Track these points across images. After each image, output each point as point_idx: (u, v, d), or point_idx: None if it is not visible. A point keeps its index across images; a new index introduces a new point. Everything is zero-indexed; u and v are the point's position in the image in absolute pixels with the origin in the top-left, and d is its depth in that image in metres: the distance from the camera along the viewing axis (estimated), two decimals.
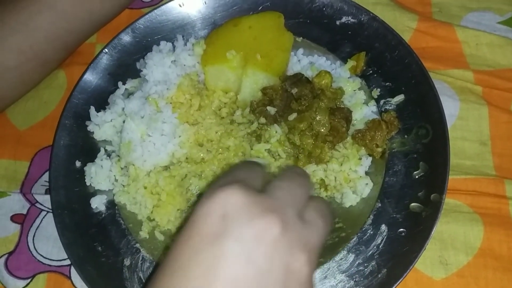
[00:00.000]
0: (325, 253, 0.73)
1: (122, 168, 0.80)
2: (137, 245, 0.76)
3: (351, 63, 0.84)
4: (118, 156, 0.81)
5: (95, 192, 0.80)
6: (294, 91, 0.78)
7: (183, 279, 0.40)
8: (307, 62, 0.85)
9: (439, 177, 0.72)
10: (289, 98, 0.79)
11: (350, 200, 0.76)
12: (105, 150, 0.82)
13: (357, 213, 0.76)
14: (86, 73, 0.86)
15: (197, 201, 0.44)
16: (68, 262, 0.77)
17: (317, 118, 0.76)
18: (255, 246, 0.41)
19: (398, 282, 0.67)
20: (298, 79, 0.79)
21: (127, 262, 0.74)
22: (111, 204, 0.79)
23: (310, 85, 0.79)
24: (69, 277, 0.77)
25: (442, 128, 0.74)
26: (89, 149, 0.82)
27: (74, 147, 0.82)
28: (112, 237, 0.77)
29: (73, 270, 0.77)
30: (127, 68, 0.87)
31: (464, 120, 0.82)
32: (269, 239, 0.41)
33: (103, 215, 0.78)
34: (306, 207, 0.48)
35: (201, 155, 0.79)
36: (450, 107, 0.82)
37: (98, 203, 0.78)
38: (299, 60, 0.85)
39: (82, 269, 0.73)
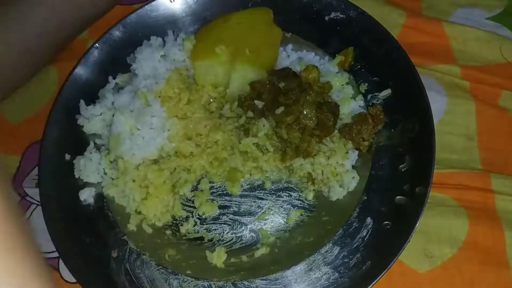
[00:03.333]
0: (311, 245, 0.74)
1: (111, 162, 0.80)
2: (125, 237, 0.76)
3: (339, 58, 0.84)
4: (107, 149, 0.81)
5: (84, 185, 0.80)
6: (282, 85, 0.79)
7: None
8: (296, 57, 0.86)
9: (424, 170, 0.72)
10: (277, 92, 0.79)
11: (337, 193, 0.77)
12: (95, 144, 0.83)
13: (343, 206, 0.76)
14: (77, 67, 0.86)
15: None
16: (56, 254, 0.77)
17: (304, 112, 0.77)
18: None
19: (382, 274, 0.68)
20: (286, 73, 0.80)
21: (114, 254, 0.75)
22: (100, 197, 0.80)
23: (298, 79, 0.80)
24: (58, 269, 0.78)
25: (428, 122, 0.75)
26: (78, 143, 0.83)
27: (64, 141, 0.83)
28: (100, 229, 0.77)
29: (61, 262, 0.78)
30: (117, 63, 0.88)
31: (452, 115, 0.82)
32: None
33: (91, 208, 0.79)
34: None
35: (190, 149, 0.80)
36: (438, 102, 0.82)
37: (86, 196, 0.79)
38: (288, 56, 0.86)
39: (69, 261, 0.73)
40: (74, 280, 0.75)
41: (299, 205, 0.78)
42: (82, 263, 0.73)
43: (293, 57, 0.86)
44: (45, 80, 0.92)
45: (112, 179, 0.80)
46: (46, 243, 0.78)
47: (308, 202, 0.78)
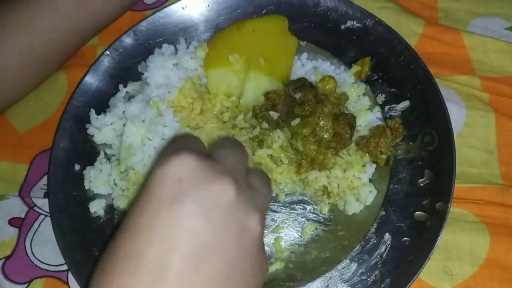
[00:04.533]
0: (327, 261, 0.72)
1: (121, 172, 0.79)
2: None
3: (355, 68, 0.82)
4: (118, 160, 0.79)
5: (94, 196, 0.78)
6: (298, 96, 0.77)
7: (146, 240, 0.41)
8: (311, 66, 0.84)
9: (445, 185, 0.70)
10: (292, 103, 0.78)
11: (353, 207, 0.75)
12: (105, 154, 0.81)
13: (360, 221, 0.74)
14: (87, 75, 0.85)
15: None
16: (65, 267, 0.76)
17: (321, 124, 0.75)
18: (212, 206, 0.43)
19: None
20: (302, 83, 0.78)
21: None
22: (110, 209, 0.78)
23: (314, 90, 0.78)
24: (67, 283, 0.76)
25: (448, 134, 0.73)
26: (88, 153, 0.81)
27: (74, 150, 0.81)
28: None
29: (70, 275, 0.76)
30: (128, 71, 0.86)
31: (471, 128, 0.80)
32: (225, 200, 0.43)
33: (101, 220, 0.77)
34: (248, 174, 0.51)
35: None
36: (457, 114, 0.80)
37: (96, 208, 0.77)
38: (303, 65, 0.84)
39: (80, 274, 0.71)
40: None
41: (314, 218, 0.76)
42: None
43: (308, 66, 0.84)
44: (54, 87, 0.90)
45: (123, 190, 0.78)
46: (55, 256, 0.77)
47: (323, 216, 0.76)
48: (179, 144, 0.50)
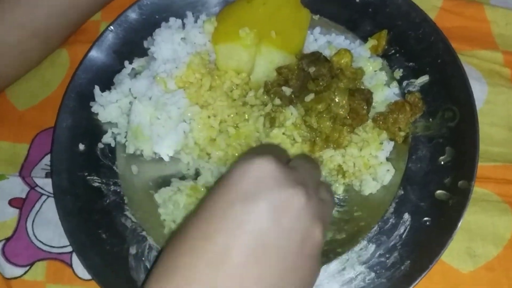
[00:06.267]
0: (343, 243, 0.69)
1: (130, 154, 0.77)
2: (144, 233, 0.71)
3: (371, 42, 0.79)
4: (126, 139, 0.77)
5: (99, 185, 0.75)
6: (312, 70, 0.74)
7: (217, 228, 0.46)
8: (324, 41, 0.80)
9: (468, 163, 0.67)
10: (306, 78, 0.74)
11: (370, 187, 0.72)
12: (112, 133, 0.78)
13: (378, 201, 0.71)
14: (91, 51, 0.81)
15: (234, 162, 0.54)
16: (69, 249, 0.73)
17: (336, 100, 0.71)
18: (282, 209, 0.47)
19: (423, 275, 0.63)
20: (316, 57, 0.75)
21: (133, 250, 0.70)
22: (116, 193, 0.75)
23: (329, 64, 0.74)
24: (70, 265, 0.73)
25: (471, 109, 0.69)
26: (93, 131, 0.78)
27: (77, 129, 0.78)
28: (117, 224, 0.72)
29: (74, 257, 0.73)
30: (133, 46, 0.83)
31: (492, 105, 0.77)
32: (295, 206, 0.47)
33: (107, 201, 0.74)
34: (319, 187, 0.55)
35: (214, 137, 0.75)
36: (477, 90, 0.76)
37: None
38: (315, 39, 0.81)
39: (85, 257, 0.68)
40: (88, 277, 0.71)
41: None
42: (98, 260, 0.69)
43: (322, 41, 0.80)
44: (55, 63, 0.87)
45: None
46: (58, 237, 0.74)
47: (338, 197, 0.73)
48: (264, 149, 0.59)
